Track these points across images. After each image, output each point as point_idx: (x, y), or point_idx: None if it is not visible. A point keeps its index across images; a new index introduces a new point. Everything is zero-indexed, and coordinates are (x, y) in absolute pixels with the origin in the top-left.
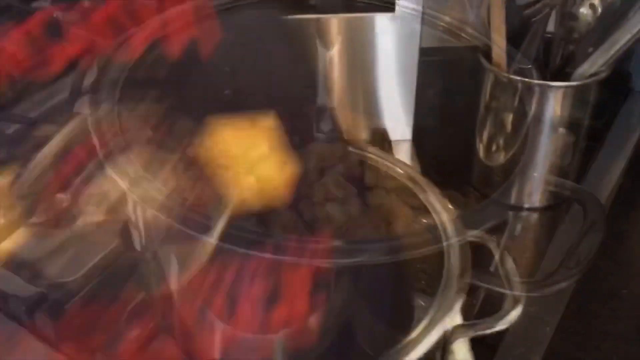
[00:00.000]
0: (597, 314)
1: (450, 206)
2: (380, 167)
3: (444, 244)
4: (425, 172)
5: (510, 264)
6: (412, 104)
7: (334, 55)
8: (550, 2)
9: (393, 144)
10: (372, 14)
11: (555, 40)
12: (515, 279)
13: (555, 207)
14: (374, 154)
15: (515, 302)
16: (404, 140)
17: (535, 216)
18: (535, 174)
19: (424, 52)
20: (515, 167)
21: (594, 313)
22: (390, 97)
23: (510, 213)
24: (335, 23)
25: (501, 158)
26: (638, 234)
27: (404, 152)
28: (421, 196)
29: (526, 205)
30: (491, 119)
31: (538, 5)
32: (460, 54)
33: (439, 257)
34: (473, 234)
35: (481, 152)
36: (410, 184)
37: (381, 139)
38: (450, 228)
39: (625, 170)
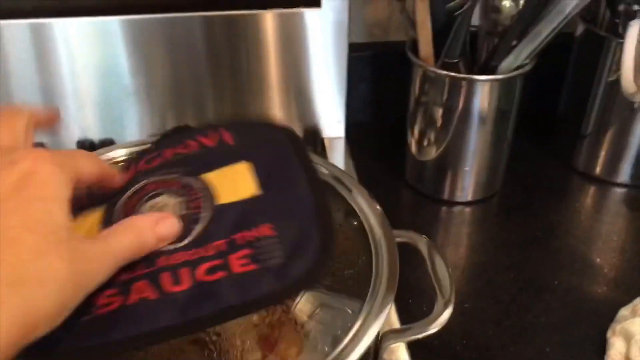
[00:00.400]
0: (530, 306)
1: (377, 206)
2: None
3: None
4: (359, 169)
5: (440, 264)
6: (344, 100)
7: (266, 52)
8: None
9: (326, 142)
10: (299, 10)
11: (480, 34)
12: (446, 279)
13: (486, 200)
14: None
15: (446, 304)
16: (337, 138)
17: (467, 210)
18: (466, 169)
19: (353, 48)
20: (447, 162)
21: (526, 306)
22: (321, 94)
23: (443, 208)
24: (265, 18)
25: (432, 153)
26: (567, 225)
27: (337, 150)
28: (346, 196)
29: (458, 200)
30: (421, 114)
31: None
32: (388, 48)
33: (367, 260)
34: (401, 234)
35: (413, 148)
36: (334, 184)
37: (314, 137)
38: (377, 229)
39: (553, 160)
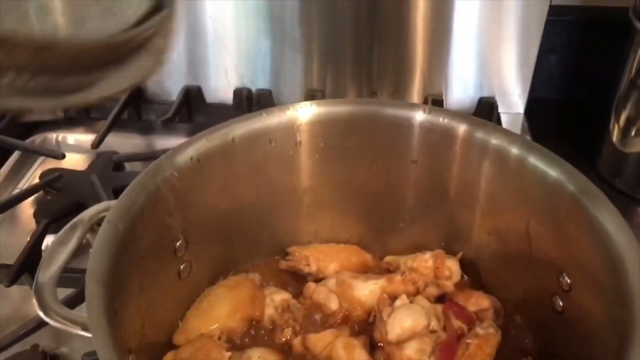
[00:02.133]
0: None
1: (627, 226)
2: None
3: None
4: None
5: None
6: (530, 71)
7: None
8: None
9: (503, 117)
10: None
11: None
12: None
13: None
14: None
15: None
16: (516, 113)
17: None
18: None
19: (553, 10)
20: None
21: None
22: (503, 61)
23: None
24: None
25: None
26: None
27: (515, 127)
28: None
29: None
30: (635, 97)
31: None
32: (599, 13)
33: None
34: None
35: (615, 135)
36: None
37: (489, 111)
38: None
39: None
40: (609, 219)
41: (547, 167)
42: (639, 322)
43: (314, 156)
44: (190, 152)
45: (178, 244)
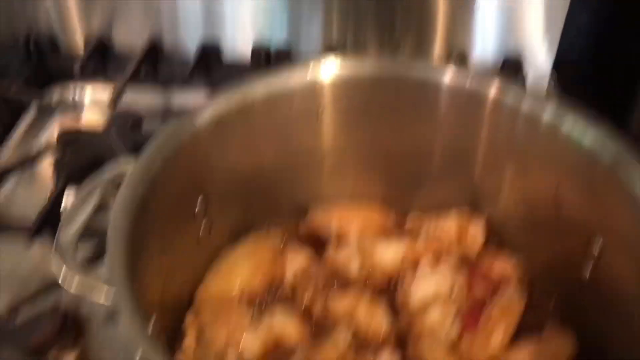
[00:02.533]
0: None
1: None
2: None
3: None
4: None
5: None
6: (559, 30)
7: None
8: None
9: (528, 77)
10: None
11: None
12: None
13: None
14: None
15: None
16: (541, 76)
17: None
18: None
19: None
20: None
21: None
22: (531, 19)
23: None
24: None
25: None
26: None
27: (541, 87)
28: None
29: None
30: None
31: None
32: None
33: None
34: None
35: None
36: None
37: (514, 71)
38: None
39: None
40: None
41: (581, 134)
42: None
43: (337, 117)
44: (209, 113)
45: (197, 205)
